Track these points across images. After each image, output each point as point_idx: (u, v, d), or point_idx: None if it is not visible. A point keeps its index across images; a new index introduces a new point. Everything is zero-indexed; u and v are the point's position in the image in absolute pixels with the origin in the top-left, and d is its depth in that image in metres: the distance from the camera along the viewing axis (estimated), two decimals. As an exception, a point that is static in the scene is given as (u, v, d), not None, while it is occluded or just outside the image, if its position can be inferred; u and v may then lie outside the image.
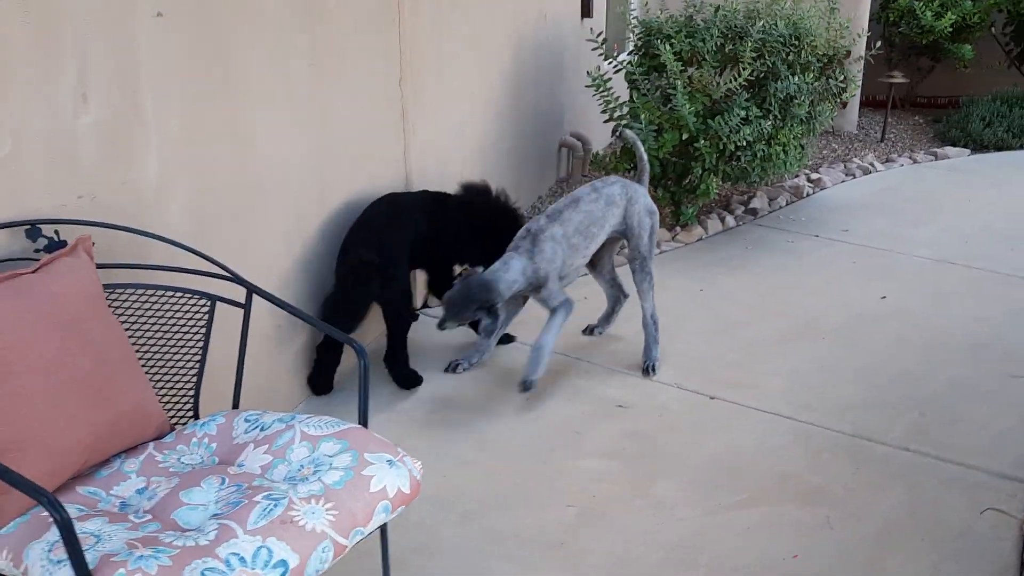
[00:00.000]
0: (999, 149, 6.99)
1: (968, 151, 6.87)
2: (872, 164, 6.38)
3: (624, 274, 3.57)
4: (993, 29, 8.22)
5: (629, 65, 4.80)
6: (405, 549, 2.32)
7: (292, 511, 1.63)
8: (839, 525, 2.43)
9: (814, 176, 5.92)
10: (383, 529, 1.97)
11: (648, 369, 3.31)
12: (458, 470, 2.70)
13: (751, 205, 5.34)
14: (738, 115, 4.48)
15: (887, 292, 4.10)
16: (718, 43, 4.55)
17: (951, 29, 7.46)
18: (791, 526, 2.43)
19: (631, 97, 4.83)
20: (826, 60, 5.02)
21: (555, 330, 3.08)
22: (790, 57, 4.69)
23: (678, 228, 4.91)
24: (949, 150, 6.76)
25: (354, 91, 3.18)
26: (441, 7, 3.76)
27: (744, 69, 4.41)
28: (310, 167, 2.97)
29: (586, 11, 5.84)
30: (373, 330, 3.43)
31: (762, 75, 4.66)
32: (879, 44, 6.04)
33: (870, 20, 7.43)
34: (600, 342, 3.58)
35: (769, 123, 4.66)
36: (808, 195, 5.65)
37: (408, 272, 3.29)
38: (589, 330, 3.65)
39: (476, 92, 4.26)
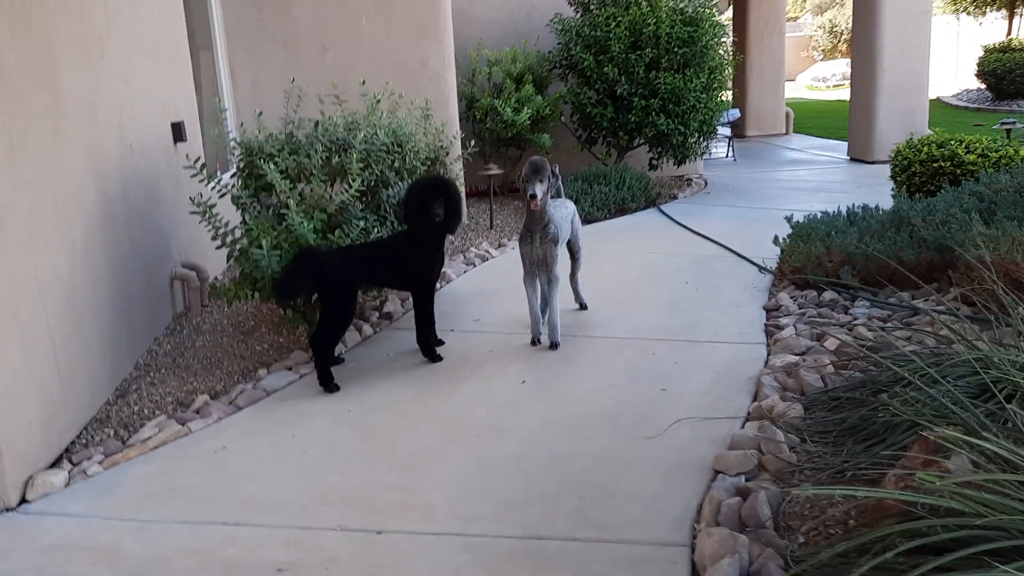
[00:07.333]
0: (588, 222, 7.84)
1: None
2: (488, 251, 6.77)
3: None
4: (564, 119, 9.35)
5: (234, 189, 4.56)
6: None
7: None
8: (530, 641, 2.35)
9: (439, 271, 6.10)
10: None
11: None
12: None
13: (385, 310, 5.33)
14: (357, 226, 4.44)
15: (524, 375, 4.27)
16: (323, 157, 4.49)
17: (530, 122, 8.32)
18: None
19: (243, 219, 4.58)
20: (430, 162, 5.23)
21: (559, 303, 4.63)
22: (395, 164, 4.79)
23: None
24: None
25: None
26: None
27: (354, 180, 4.39)
28: None
29: (178, 136, 5.46)
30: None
31: (372, 184, 4.70)
32: (473, 143, 6.49)
33: (460, 120, 8.01)
34: (246, 505, 3.21)
35: (387, 230, 4.69)
36: (437, 290, 5.79)
37: (352, 280, 4.13)
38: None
39: (52, 241, 3.69)
